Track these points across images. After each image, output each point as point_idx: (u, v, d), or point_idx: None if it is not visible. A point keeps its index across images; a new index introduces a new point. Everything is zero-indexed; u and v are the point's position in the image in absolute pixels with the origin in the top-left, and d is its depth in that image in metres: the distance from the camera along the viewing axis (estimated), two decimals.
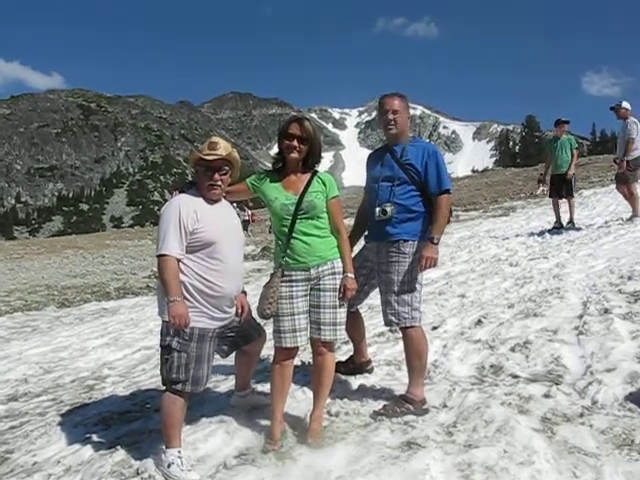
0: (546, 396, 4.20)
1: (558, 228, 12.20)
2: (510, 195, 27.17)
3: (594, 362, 4.66)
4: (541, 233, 12.17)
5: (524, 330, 5.57)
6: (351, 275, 3.95)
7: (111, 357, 7.05)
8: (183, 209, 3.73)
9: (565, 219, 12.38)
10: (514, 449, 3.54)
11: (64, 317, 10.78)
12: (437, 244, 4.18)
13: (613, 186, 20.58)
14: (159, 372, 3.88)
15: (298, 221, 3.92)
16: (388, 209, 4.22)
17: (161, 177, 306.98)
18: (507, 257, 9.70)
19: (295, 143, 3.89)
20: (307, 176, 3.99)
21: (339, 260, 4.00)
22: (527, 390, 4.31)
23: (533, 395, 4.23)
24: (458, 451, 3.59)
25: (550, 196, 12.74)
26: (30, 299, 13.26)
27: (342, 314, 4.00)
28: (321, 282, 3.95)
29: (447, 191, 4.22)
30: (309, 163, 4.00)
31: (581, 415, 3.88)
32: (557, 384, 4.38)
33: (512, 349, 5.16)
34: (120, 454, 3.96)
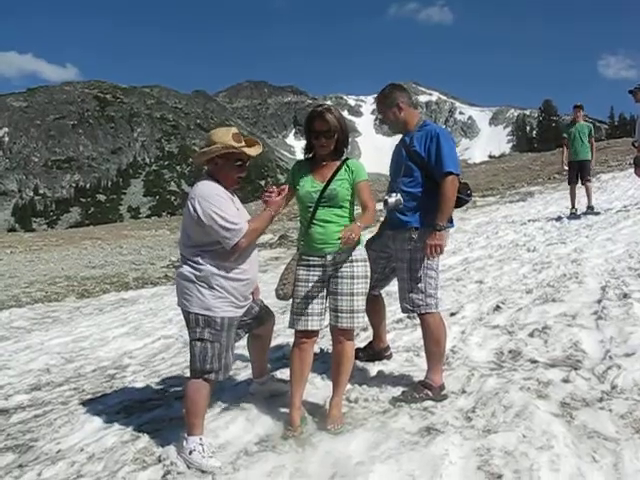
0: (565, 381, 4.19)
1: (575, 214, 12.12)
2: (527, 180, 26.96)
3: (613, 347, 4.65)
4: (559, 218, 12.11)
5: (543, 315, 5.56)
6: (360, 223, 3.75)
7: (131, 346, 7.14)
8: (225, 197, 3.76)
9: (583, 204, 12.28)
10: (533, 434, 3.53)
11: (84, 307, 10.90)
12: (441, 230, 4.10)
13: (631, 170, 20.42)
14: (188, 363, 3.90)
15: (320, 208, 3.94)
16: (390, 199, 4.17)
17: (177, 167, 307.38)
18: (525, 242, 9.65)
19: (322, 140, 3.89)
20: (336, 164, 3.99)
21: (358, 248, 4.00)
22: (546, 375, 4.30)
23: (552, 380, 4.22)
24: (477, 436, 3.60)
25: (570, 183, 12.66)
26: (50, 290, 13.40)
27: (360, 301, 4.00)
28: (338, 269, 3.97)
29: (450, 173, 4.09)
30: (338, 151, 4.00)
31: (600, 400, 3.87)
32: (576, 369, 4.36)
33: (531, 334, 5.15)
34: (142, 441, 4.02)
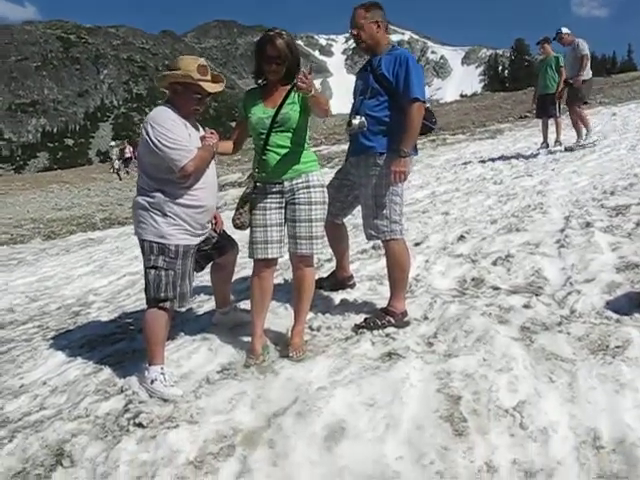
0: (526, 307, 4.23)
1: (545, 148, 12.12)
2: (498, 119, 26.83)
3: (574, 273, 4.70)
4: (527, 153, 12.11)
5: (506, 244, 5.59)
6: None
7: (96, 284, 7.07)
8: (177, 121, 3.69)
9: (552, 139, 12.29)
10: (493, 357, 3.58)
11: (50, 249, 10.75)
12: (405, 157, 4.03)
13: (599, 107, 20.44)
14: (144, 293, 3.86)
15: (273, 134, 3.87)
16: (355, 121, 4.11)
17: (147, 109, 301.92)
18: (492, 176, 9.66)
19: (272, 66, 3.80)
20: (286, 89, 3.89)
21: (314, 173, 3.96)
22: (507, 301, 4.34)
23: (513, 306, 4.26)
24: (438, 360, 3.64)
25: (537, 117, 12.63)
26: (15, 232, 13.22)
27: (319, 227, 3.97)
28: (295, 196, 3.92)
29: (416, 99, 4.00)
30: (289, 75, 3.87)
31: (559, 324, 3.92)
32: (537, 295, 4.41)
33: (494, 263, 5.19)
34: (105, 373, 4.01)
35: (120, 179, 29.54)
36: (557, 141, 12.22)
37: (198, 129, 3.93)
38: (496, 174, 9.81)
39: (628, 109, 17.81)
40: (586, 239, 5.31)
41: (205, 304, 5.16)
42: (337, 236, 4.67)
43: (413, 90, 4.01)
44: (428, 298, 4.56)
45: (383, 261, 5.54)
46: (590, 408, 3.03)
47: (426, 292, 4.73)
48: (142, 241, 3.77)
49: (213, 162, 3.95)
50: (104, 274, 7.48)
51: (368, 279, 5.19)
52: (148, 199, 3.71)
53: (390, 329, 4.12)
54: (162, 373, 3.69)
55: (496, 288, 4.65)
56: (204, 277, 5.11)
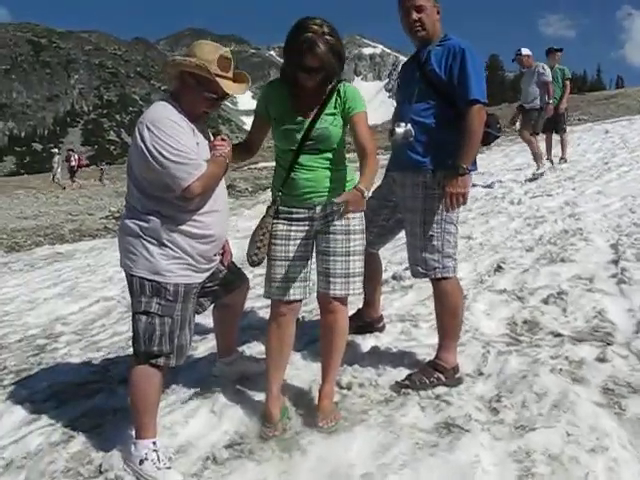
0: (600, 360, 3.46)
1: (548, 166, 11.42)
2: None
3: None
4: (529, 170, 11.38)
5: (554, 278, 4.79)
6: (363, 188, 2.75)
7: (65, 310, 6.06)
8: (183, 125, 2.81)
9: (552, 155, 11.64)
10: (579, 431, 2.82)
11: (13, 263, 9.69)
12: (464, 175, 3.21)
13: (591, 124, 20.09)
14: (132, 345, 2.96)
15: (304, 153, 3.00)
16: (399, 129, 3.27)
17: (117, 116, 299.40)
18: (503, 195, 8.89)
19: (311, 75, 2.88)
20: (324, 92, 3.00)
21: None
22: (575, 352, 3.58)
23: (584, 359, 3.49)
24: (510, 435, 2.86)
25: (542, 131, 11.99)
26: None
27: (358, 263, 3.11)
28: (330, 223, 3.06)
29: (476, 101, 3.19)
30: (327, 79, 2.97)
31: None
32: (609, 344, 3.64)
33: (545, 301, 4.39)
34: (77, 443, 3.11)
35: (63, 188, 27.54)
36: (562, 157, 11.62)
37: (208, 137, 3.05)
38: (507, 192, 9.04)
39: (621, 126, 17.40)
40: None
41: (200, 346, 4.26)
42: (370, 269, 3.62)
43: (471, 89, 3.18)
44: (478, 347, 3.74)
45: (410, 295, 4.74)
46: None
47: (473, 338, 3.90)
48: (131, 277, 2.88)
49: (223, 179, 3.08)
50: (74, 298, 6.48)
51: (399, 320, 4.33)
52: (141, 223, 2.82)
53: (441, 389, 3.31)
54: (155, 450, 2.82)
55: (557, 335, 3.86)
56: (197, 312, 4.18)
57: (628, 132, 15.52)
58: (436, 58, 3.29)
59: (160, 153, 2.66)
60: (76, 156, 32.23)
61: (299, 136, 2.97)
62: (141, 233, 2.81)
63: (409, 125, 3.27)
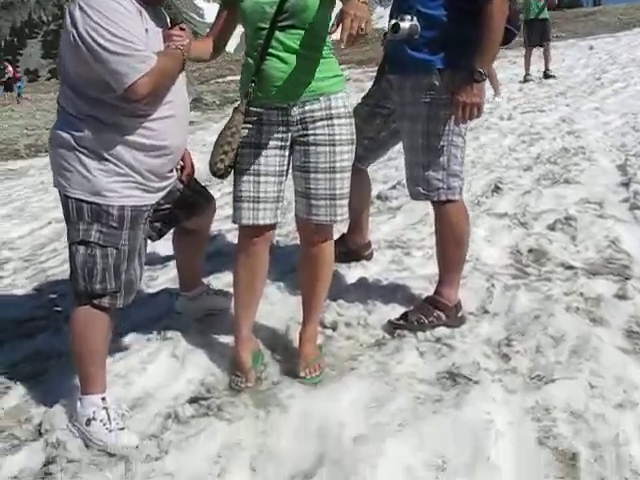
0: (620, 297, 3.03)
1: (529, 80, 11.05)
2: None
3: None
4: (516, 84, 10.96)
5: (559, 201, 4.32)
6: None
7: (13, 233, 5.47)
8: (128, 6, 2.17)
9: (534, 70, 11.33)
10: (604, 382, 2.41)
11: None
12: (480, 81, 2.65)
13: (573, 40, 19.40)
14: (70, 282, 2.41)
15: (278, 30, 2.33)
16: (403, 24, 2.63)
17: None
18: (490, 109, 8.36)
19: None
20: None
21: (339, 96, 2.48)
22: (591, 288, 3.14)
23: (602, 295, 3.05)
24: (525, 387, 2.43)
25: (526, 45, 11.49)
26: None
27: (345, 182, 2.53)
28: (310, 130, 2.45)
29: None
30: None
31: None
32: (627, 278, 3.21)
33: (551, 227, 3.92)
34: (14, 396, 2.65)
35: (17, 102, 25.93)
36: (546, 70, 11.30)
37: (163, 23, 2.42)
38: (494, 107, 8.51)
39: (605, 42, 16.86)
40: None
41: (160, 276, 3.74)
42: (357, 187, 2.99)
43: None
44: (482, 280, 3.28)
45: (399, 218, 4.25)
46: None
47: (475, 269, 3.41)
48: (66, 198, 2.32)
49: (183, 77, 2.45)
50: (24, 219, 5.88)
51: (388, 246, 3.83)
52: (74, 132, 2.24)
53: (441, 330, 2.85)
54: (104, 407, 2.33)
55: (568, 267, 3.40)
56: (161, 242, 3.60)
57: (615, 48, 15.01)
58: None
59: (95, 40, 2.05)
60: (10, 68, 30.27)
61: (271, 10, 2.32)
62: (75, 144, 2.23)
63: (415, 19, 2.66)
